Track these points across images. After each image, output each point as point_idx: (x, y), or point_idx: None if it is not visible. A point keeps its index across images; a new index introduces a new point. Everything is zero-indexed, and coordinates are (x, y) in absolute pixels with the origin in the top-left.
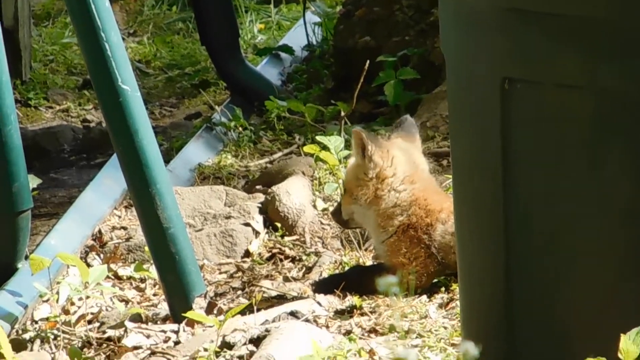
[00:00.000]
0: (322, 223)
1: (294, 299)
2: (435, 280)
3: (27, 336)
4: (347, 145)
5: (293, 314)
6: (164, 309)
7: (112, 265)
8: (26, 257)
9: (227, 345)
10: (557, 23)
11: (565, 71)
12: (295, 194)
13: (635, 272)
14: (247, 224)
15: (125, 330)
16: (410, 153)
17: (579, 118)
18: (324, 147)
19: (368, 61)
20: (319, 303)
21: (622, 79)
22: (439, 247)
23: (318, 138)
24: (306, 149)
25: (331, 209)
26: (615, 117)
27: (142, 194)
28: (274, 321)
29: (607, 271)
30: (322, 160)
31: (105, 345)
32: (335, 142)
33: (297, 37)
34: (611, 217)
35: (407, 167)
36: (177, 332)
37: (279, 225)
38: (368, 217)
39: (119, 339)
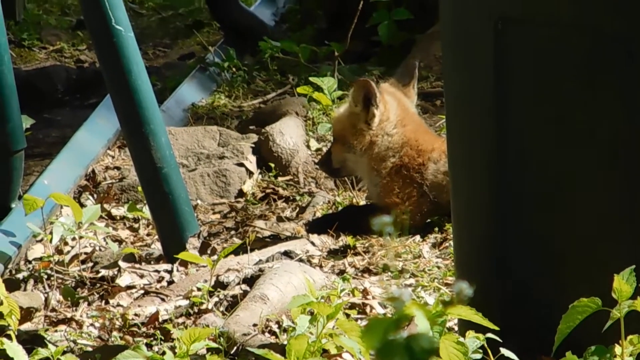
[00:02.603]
0: (315, 163)
1: (287, 238)
2: (429, 220)
3: (20, 276)
4: (341, 86)
5: (287, 254)
6: (157, 248)
7: (106, 205)
8: (20, 197)
9: (220, 285)
10: None
11: (558, 10)
12: (288, 134)
13: (625, 208)
14: (241, 164)
15: (119, 270)
16: (399, 96)
17: (571, 56)
18: (318, 88)
19: (362, 1)
20: (312, 243)
21: (613, 17)
22: (431, 186)
23: (311, 78)
24: (300, 89)
25: (325, 148)
26: (607, 54)
27: (135, 134)
28: (267, 261)
29: (599, 207)
30: (315, 100)
31: (98, 285)
32: (328, 82)
33: None
34: (602, 153)
35: (398, 110)
36: (170, 272)
37: (272, 165)
38: (361, 163)
39: (113, 278)
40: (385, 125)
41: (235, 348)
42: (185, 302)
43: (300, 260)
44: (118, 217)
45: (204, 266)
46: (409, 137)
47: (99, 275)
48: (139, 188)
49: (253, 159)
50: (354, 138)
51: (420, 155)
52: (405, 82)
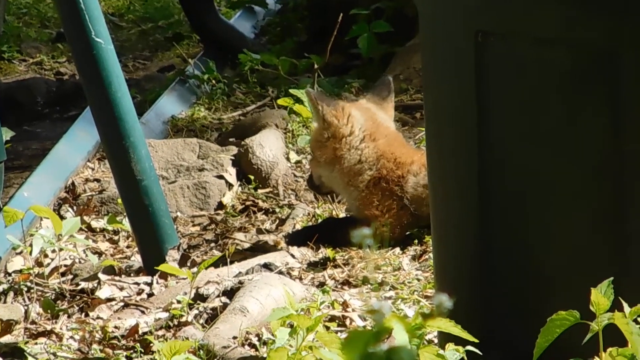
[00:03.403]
0: (295, 175)
1: (266, 250)
2: (409, 232)
3: (0, 288)
4: None
5: (266, 266)
6: (137, 261)
7: (85, 218)
8: None
9: (200, 298)
10: None
11: (541, 24)
12: (268, 147)
13: (605, 223)
14: (221, 177)
15: (99, 283)
16: (373, 111)
17: (554, 72)
18: (298, 100)
19: (342, 14)
20: (292, 255)
21: (599, 32)
22: (412, 198)
23: (291, 91)
24: (280, 101)
25: (305, 161)
26: (591, 71)
27: (115, 147)
28: (247, 273)
29: (580, 222)
30: (295, 112)
31: (78, 297)
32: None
33: None
34: (584, 169)
35: (367, 124)
36: (150, 284)
37: (252, 177)
38: (334, 177)
39: (93, 291)
40: (351, 139)
41: None
42: (165, 315)
43: (280, 272)
44: (98, 230)
45: (183, 278)
46: (384, 150)
47: (79, 287)
48: (119, 200)
49: (233, 171)
50: (318, 150)
51: (399, 167)
52: (383, 96)
